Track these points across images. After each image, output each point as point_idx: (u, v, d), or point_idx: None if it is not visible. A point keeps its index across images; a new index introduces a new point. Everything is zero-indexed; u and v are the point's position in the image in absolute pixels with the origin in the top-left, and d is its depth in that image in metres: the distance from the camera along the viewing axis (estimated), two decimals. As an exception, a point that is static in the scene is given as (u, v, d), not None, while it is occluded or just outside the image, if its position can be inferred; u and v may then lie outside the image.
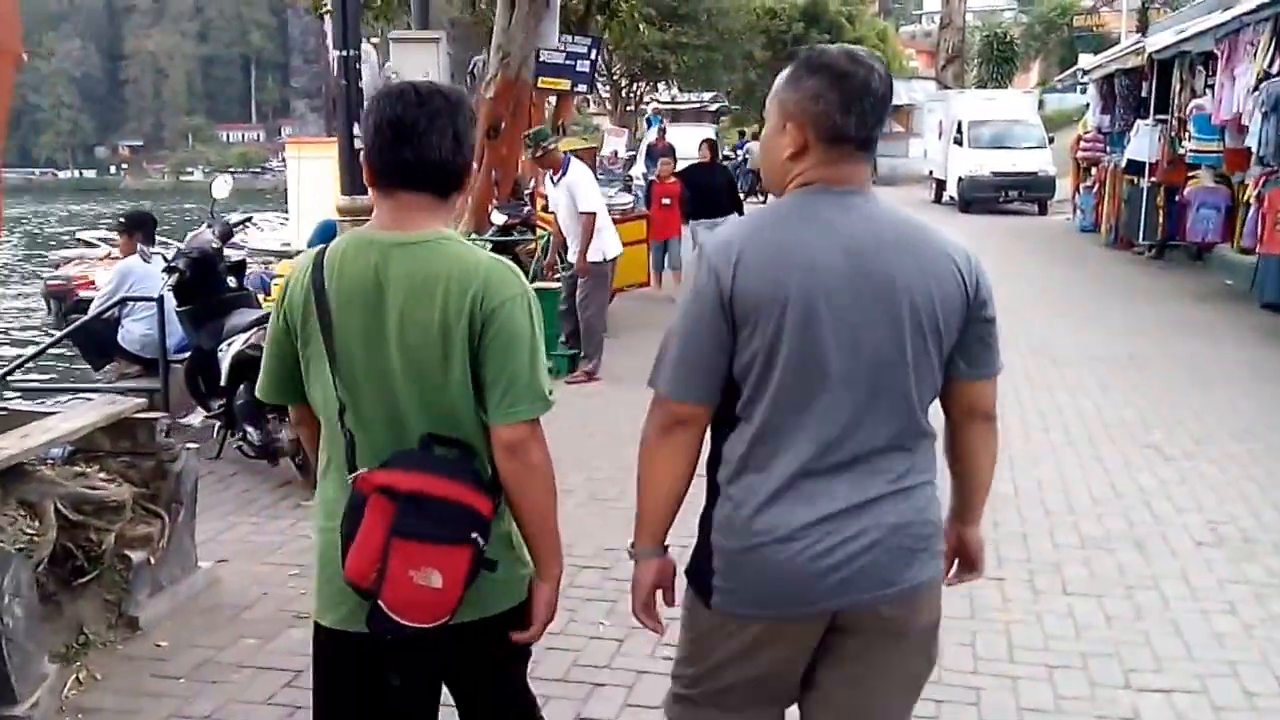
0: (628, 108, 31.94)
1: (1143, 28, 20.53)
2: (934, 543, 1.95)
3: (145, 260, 6.39)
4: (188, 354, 5.91)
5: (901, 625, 1.92)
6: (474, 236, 9.28)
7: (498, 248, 8.72)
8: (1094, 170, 17.58)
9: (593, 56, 14.02)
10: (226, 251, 6.06)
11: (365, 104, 6.78)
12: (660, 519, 1.97)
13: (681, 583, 2.03)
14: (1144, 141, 14.32)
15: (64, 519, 3.47)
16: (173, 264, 5.71)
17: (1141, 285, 12.40)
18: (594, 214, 7.72)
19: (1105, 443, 6.12)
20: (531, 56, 11.60)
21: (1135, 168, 14.63)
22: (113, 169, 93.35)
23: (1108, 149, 16.92)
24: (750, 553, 1.86)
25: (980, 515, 2.14)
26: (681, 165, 12.29)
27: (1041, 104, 31.27)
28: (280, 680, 3.42)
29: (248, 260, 12.30)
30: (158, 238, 7.12)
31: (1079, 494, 5.25)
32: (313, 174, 13.27)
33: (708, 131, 22.33)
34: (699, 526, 1.96)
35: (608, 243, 7.97)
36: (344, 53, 6.28)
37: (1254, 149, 10.40)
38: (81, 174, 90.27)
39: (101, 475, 3.77)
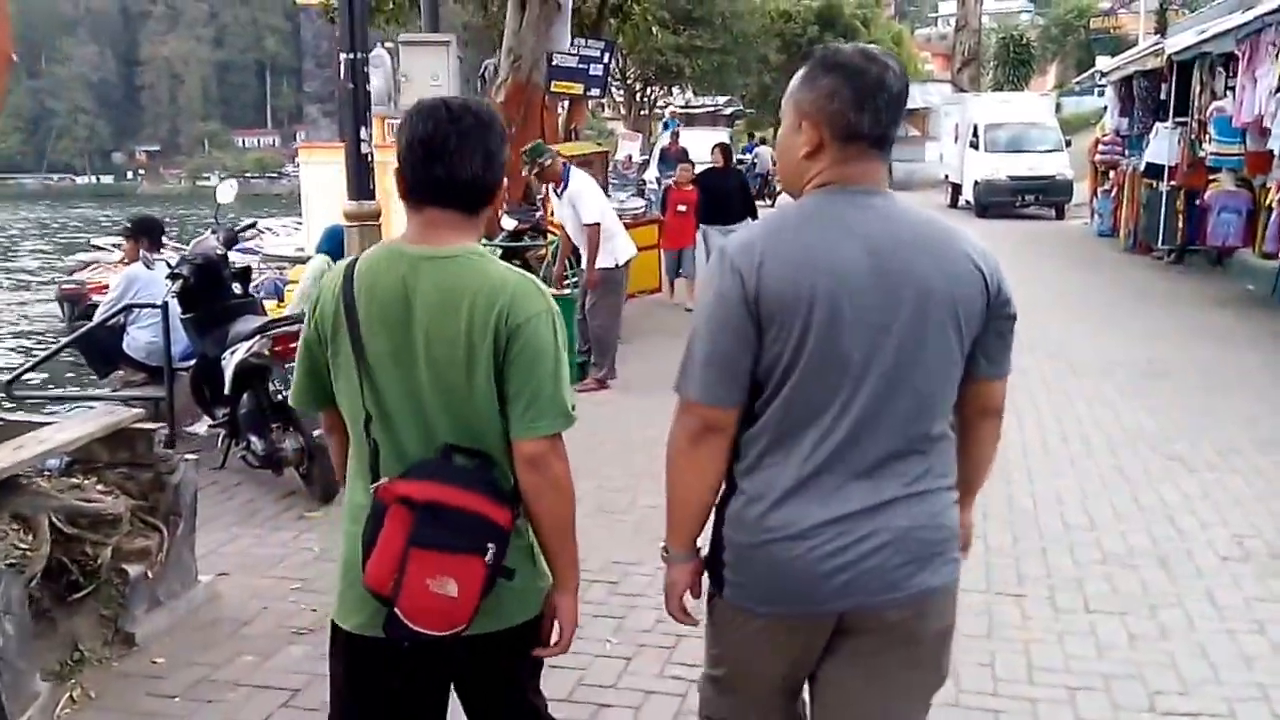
0: (642, 112, 32.01)
1: (1161, 29, 20.38)
2: (948, 548, 1.93)
3: (149, 266, 6.33)
4: (193, 361, 5.84)
5: (910, 630, 1.91)
6: (484, 242, 9.19)
7: (507, 253, 8.65)
8: (1112, 174, 17.38)
9: (606, 60, 13.98)
10: (232, 257, 5.99)
11: (372, 109, 6.73)
12: (693, 524, 1.99)
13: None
14: (1163, 144, 14.12)
15: (59, 532, 3.41)
16: (176, 270, 5.64)
17: (1160, 290, 12.21)
18: (597, 225, 7.59)
19: (1126, 453, 5.98)
20: (543, 60, 11.55)
21: (1154, 171, 14.44)
22: (130, 174, 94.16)
23: (1126, 152, 16.73)
24: (760, 549, 1.88)
25: (974, 500, 2.15)
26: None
27: (1058, 107, 31.06)
28: (278, 700, 3.35)
29: (261, 266, 12.32)
30: (171, 243, 7.05)
31: (1100, 507, 5.10)
32: (323, 179, 13.24)
33: (722, 135, 22.27)
34: (714, 517, 1.98)
35: (619, 248, 7.85)
36: (350, 55, 6.13)
37: (1276, 152, 10.27)
38: (99, 179, 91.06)
39: (99, 487, 3.71)
